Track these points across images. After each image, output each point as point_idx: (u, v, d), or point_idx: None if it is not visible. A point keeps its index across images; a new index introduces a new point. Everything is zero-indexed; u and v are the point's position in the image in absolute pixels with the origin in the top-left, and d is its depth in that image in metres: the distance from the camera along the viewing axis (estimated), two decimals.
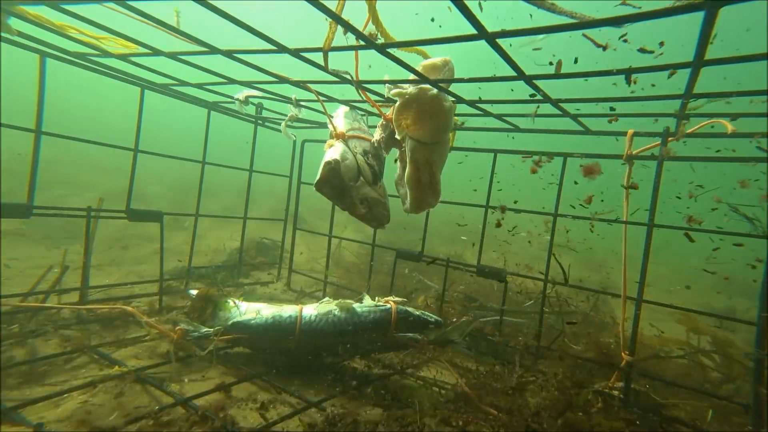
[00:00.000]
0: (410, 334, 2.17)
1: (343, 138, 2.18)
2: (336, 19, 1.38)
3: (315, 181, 2.00)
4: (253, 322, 2.08)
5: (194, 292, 2.29)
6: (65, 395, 1.64)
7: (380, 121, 2.27)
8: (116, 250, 4.37)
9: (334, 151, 2.06)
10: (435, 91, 1.91)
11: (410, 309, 2.16)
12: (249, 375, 1.99)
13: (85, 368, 1.90)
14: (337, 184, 2.00)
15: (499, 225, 2.53)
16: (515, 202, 2.59)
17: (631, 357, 2.05)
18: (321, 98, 2.30)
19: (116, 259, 4.01)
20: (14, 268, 3.30)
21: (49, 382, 1.75)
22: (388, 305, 2.14)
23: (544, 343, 2.45)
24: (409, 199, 2.13)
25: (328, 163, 1.98)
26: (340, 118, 2.31)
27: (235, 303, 2.27)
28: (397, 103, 1.97)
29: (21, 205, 2.05)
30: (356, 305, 2.13)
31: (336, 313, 2.08)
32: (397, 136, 2.05)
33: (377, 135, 2.27)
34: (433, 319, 2.15)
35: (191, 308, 2.23)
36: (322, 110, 2.80)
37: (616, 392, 1.99)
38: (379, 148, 2.28)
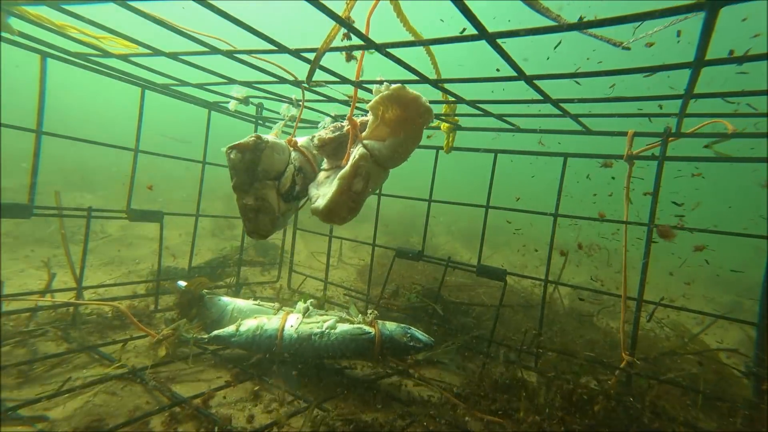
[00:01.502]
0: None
1: (293, 146, 2.09)
2: (336, 19, 1.38)
3: (232, 144, 1.82)
4: (233, 339, 2.03)
5: (183, 284, 2.29)
6: (65, 395, 1.64)
7: (339, 123, 2.10)
8: (116, 250, 4.37)
9: (274, 138, 1.95)
10: (428, 105, 1.79)
11: (396, 334, 1.98)
12: (247, 376, 1.98)
13: (85, 368, 1.90)
14: (248, 162, 1.81)
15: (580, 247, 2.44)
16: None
17: (631, 357, 2.05)
18: (315, 99, 2.29)
19: (115, 259, 4.01)
20: (14, 268, 3.30)
21: (49, 382, 1.75)
22: (372, 332, 1.97)
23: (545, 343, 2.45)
24: (327, 199, 1.86)
25: (257, 137, 1.84)
26: (305, 138, 2.25)
27: (221, 300, 2.24)
28: (395, 91, 1.75)
29: (21, 205, 2.05)
30: (337, 329, 1.98)
31: (316, 338, 1.95)
32: (368, 117, 1.87)
33: (323, 132, 2.05)
34: (421, 345, 1.99)
35: (178, 304, 2.22)
36: (320, 111, 2.80)
37: (611, 391, 1.99)
38: (312, 176, 2.15)
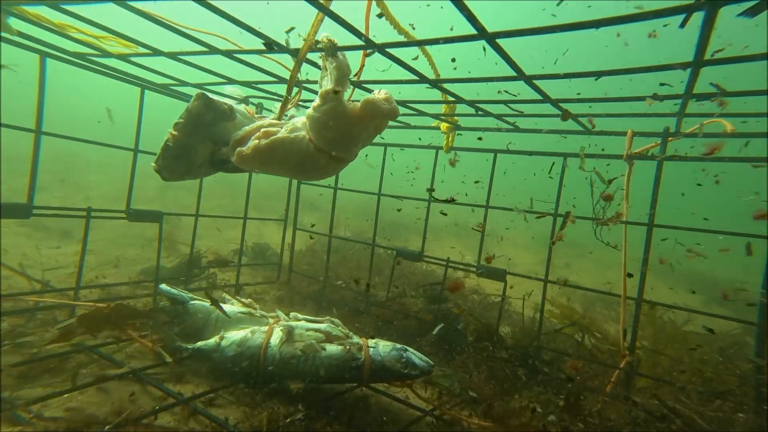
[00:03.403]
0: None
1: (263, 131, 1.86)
2: (332, 16, 1.38)
3: (207, 95, 1.78)
4: (215, 354, 1.94)
5: (165, 288, 2.23)
6: (65, 395, 1.64)
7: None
8: (116, 250, 4.36)
9: (246, 120, 1.87)
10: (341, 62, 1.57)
11: (389, 360, 1.81)
12: (244, 377, 1.98)
13: (85, 368, 1.90)
14: (207, 118, 1.75)
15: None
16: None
17: (631, 357, 2.05)
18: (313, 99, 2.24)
19: (115, 259, 4.01)
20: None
21: (48, 382, 1.75)
22: (361, 359, 1.82)
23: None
24: (244, 129, 1.81)
25: (231, 109, 1.79)
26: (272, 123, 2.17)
27: (205, 307, 2.15)
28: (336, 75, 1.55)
29: (21, 205, 2.05)
30: (323, 353, 1.83)
31: (300, 361, 1.82)
32: (322, 85, 1.63)
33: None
34: (417, 372, 1.81)
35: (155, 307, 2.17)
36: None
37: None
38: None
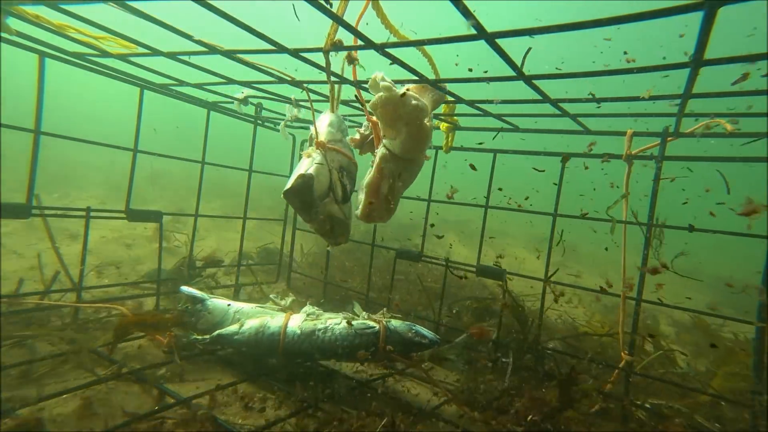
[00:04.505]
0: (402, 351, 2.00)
1: (323, 148, 2.09)
2: (335, 19, 1.38)
3: (285, 189, 1.92)
4: (236, 337, 2.02)
5: (187, 289, 2.29)
6: (65, 395, 1.64)
7: (364, 123, 2.16)
8: (117, 250, 4.36)
9: (310, 165, 2.00)
10: (416, 102, 1.77)
11: (401, 329, 1.99)
12: (245, 376, 1.98)
13: (85, 368, 1.90)
14: (306, 197, 1.94)
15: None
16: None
17: (631, 357, 2.05)
18: (313, 99, 2.27)
19: (116, 259, 4.01)
20: (13, 269, 3.30)
21: (48, 383, 1.75)
22: (377, 327, 1.97)
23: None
24: (361, 205, 2.01)
25: (302, 176, 1.91)
26: (324, 126, 2.20)
27: (222, 303, 2.24)
28: (381, 97, 1.76)
29: (21, 205, 2.04)
30: (341, 325, 1.98)
31: (320, 335, 1.95)
32: (365, 130, 1.94)
33: (363, 129, 2.19)
34: (427, 341, 1.98)
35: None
36: (320, 111, 2.80)
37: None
38: (353, 167, 2.20)
